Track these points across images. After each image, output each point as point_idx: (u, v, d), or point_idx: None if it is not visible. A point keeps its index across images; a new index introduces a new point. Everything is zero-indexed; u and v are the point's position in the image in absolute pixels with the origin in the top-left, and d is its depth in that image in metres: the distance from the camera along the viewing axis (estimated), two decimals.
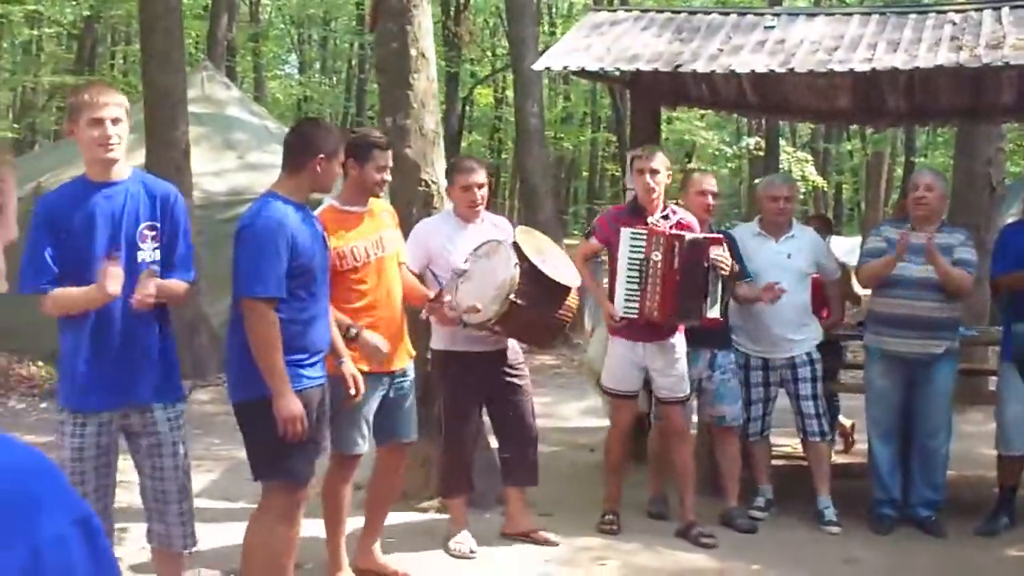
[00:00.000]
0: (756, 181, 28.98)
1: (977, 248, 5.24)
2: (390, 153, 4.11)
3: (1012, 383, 5.07)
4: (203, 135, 10.52)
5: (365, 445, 4.06)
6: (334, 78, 32.39)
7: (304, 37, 30.37)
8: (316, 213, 3.90)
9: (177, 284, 3.35)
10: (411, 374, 4.23)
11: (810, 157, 25.16)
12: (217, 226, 8.77)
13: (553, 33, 26.82)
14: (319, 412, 3.54)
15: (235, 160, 10.46)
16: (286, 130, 14.73)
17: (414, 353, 4.27)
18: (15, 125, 21.87)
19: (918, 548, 4.87)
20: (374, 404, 4.03)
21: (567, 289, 4.41)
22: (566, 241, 24.10)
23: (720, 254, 4.76)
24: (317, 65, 32.85)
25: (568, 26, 26.69)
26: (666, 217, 4.87)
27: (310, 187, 3.59)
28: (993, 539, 4.97)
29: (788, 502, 5.36)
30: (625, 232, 4.72)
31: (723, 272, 4.76)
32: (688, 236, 4.74)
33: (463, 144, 25.57)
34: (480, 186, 4.52)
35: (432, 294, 4.22)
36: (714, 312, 4.78)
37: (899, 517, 5.11)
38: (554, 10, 29.33)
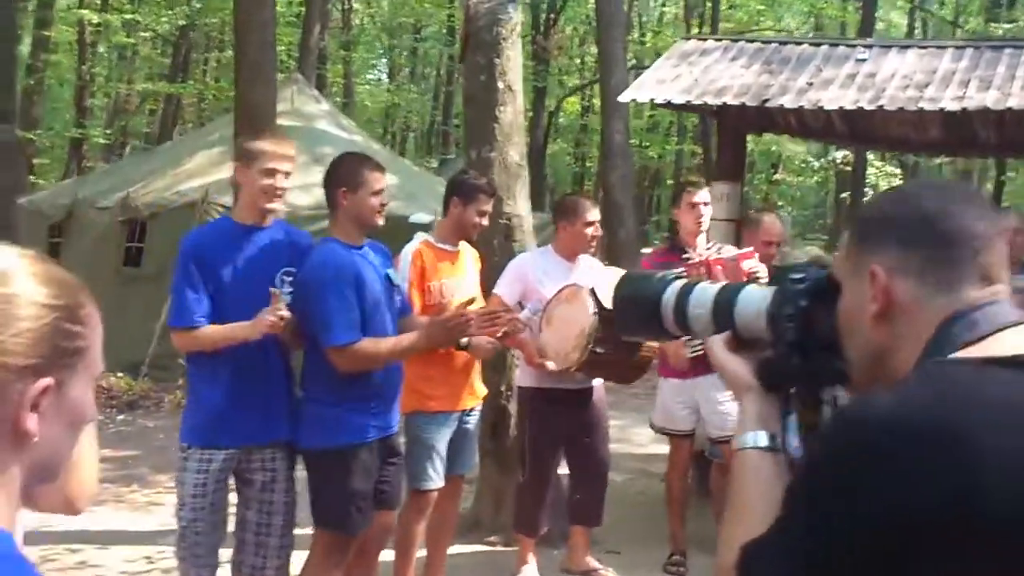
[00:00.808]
0: (843, 195, 28.36)
1: None
2: (492, 201, 4.25)
3: None
4: None
5: (440, 480, 4.14)
6: (423, 84, 32.79)
7: (394, 44, 30.80)
8: (411, 248, 4.05)
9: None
10: (478, 411, 4.35)
11: (899, 171, 24.66)
12: None
13: (643, 42, 26.80)
14: (387, 461, 3.63)
15: (321, 175, 10.64)
16: (374, 144, 14.90)
17: (485, 393, 4.37)
18: (107, 131, 22.60)
19: None
20: (446, 440, 4.13)
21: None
22: (646, 250, 24.13)
23: (753, 264, 4.74)
24: (406, 72, 33.28)
25: (659, 40, 26.66)
26: (708, 250, 4.89)
27: (353, 224, 3.55)
28: None
29: None
30: None
31: (761, 280, 4.72)
32: (723, 257, 4.78)
33: (548, 151, 25.70)
34: (594, 224, 4.56)
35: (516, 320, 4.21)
36: None
37: None
38: (644, 18, 29.25)
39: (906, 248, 1.18)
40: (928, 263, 1.17)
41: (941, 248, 1.17)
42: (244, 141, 3.56)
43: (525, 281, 4.54)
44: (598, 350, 4.19)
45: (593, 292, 4.30)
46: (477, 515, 5.28)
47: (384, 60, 32.38)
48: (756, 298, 1.40)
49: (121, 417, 8.42)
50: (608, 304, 4.29)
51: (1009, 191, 23.91)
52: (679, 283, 1.48)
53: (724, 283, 1.46)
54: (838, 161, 20.84)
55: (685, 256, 4.84)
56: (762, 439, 1.31)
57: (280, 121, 10.06)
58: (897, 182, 24.35)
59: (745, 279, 4.69)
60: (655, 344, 4.47)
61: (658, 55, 27.98)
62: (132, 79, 23.80)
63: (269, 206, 3.40)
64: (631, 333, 1.53)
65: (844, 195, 26.35)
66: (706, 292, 1.45)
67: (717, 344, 1.41)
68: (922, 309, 1.17)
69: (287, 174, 3.38)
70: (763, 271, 4.77)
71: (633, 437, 7.94)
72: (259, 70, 9.30)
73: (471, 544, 4.97)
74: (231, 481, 3.48)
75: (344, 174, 3.56)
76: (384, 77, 32.99)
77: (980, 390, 1.06)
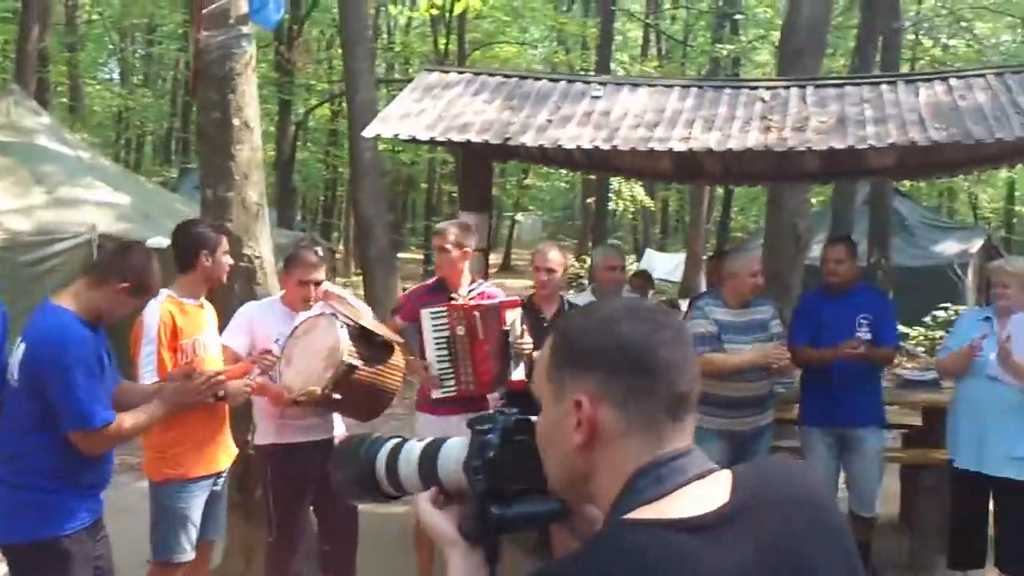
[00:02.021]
0: (589, 200, 29.51)
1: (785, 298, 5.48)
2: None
3: (815, 447, 5.39)
4: (7, 167, 9.69)
5: (192, 551, 3.98)
6: (159, 86, 31.17)
7: (123, 46, 29.10)
8: (156, 305, 3.83)
9: None
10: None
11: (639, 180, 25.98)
12: (20, 269, 8.14)
13: (392, 48, 26.78)
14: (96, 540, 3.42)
15: (43, 195, 9.53)
16: (104, 161, 13.88)
17: (236, 452, 4.24)
18: None
19: None
20: (201, 507, 3.98)
21: (392, 347, 4.40)
22: (402, 255, 24.17)
23: (514, 315, 4.88)
24: (141, 74, 31.55)
25: (408, 43, 26.73)
26: (472, 291, 4.97)
27: (93, 306, 3.35)
28: None
29: None
30: (425, 313, 4.79)
31: (520, 343, 4.82)
32: (485, 303, 4.87)
33: (297, 158, 25.16)
34: (318, 284, 4.42)
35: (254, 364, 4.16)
36: (519, 374, 4.88)
37: None
38: (393, 23, 29.23)
39: (610, 378, 1.21)
40: (630, 393, 1.21)
41: (642, 378, 1.21)
42: None
43: (252, 333, 4.40)
44: (352, 361, 4.12)
45: (335, 314, 4.23)
46: (226, 572, 5.08)
47: (114, 60, 30.51)
48: (455, 452, 1.41)
49: None
50: (356, 319, 4.24)
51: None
52: (390, 445, 1.49)
53: (429, 440, 1.47)
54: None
55: (451, 296, 4.87)
56: None
57: None
58: (638, 188, 25.74)
59: (503, 328, 4.78)
60: (402, 364, 4.43)
61: (407, 61, 28.16)
62: None
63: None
64: (354, 496, 1.52)
65: (590, 200, 27.58)
66: (412, 451, 1.46)
67: (423, 501, 1.41)
68: (621, 445, 1.21)
69: None
70: (518, 324, 4.86)
71: None
72: None
73: None
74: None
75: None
76: (116, 77, 31.07)
77: (643, 558, 1.11)
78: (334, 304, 4.40)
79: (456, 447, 1.42)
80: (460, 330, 4.75)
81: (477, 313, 4.78)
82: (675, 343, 1.23)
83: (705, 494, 1.17)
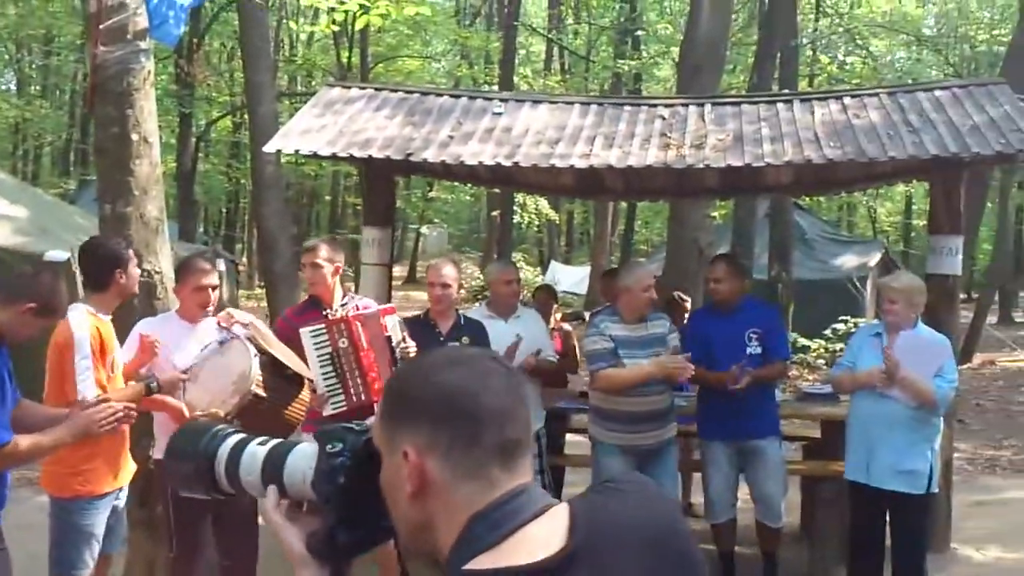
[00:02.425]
0: (494, 213, 29.55)
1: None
2: None
3: (716, 459, 5.48)
4: None
5: (93, 565, 3.97)
6: (56, 97, 30.22)
7: (20, 56, 28.15)
8: (83, 321, 3.83)
9: None
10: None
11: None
12: None
13: (294, 60, 26.46)
14: None
15: None
16: (0, 173, 13.46)
17: (135, 467, 4.24)
18: None
19: None
20: (104, 523, 3.98)
21: (303, 380, 4.37)
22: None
23: (393, 322, 4.93)
24: (38, 85, 30.56)
25: (310, 56, 26.43)
26: (344, 304, 4.98)
27: None
28: None
29: None
30: (304, 332, 4.74)
31: (404, 345, 4.85)
32: (363, 312, 4.90)
33: (198, 170, 24.64)
34: (214, 288, 4.44)
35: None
36: None
37: None
38: (295, 36, 28.90)
39: (434, 428, 1.19)
40: (455, 442, 1.19)
41: (466, 427, 1.19)
42: None
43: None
44: (260, 393, 4.08)
45: (251, 339, 4.19)
46: None
47: (11, 71, 29.50)
48: (303, 463, 1.36)
49: None
50: (268, 349, 4.19)
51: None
52: (232, 440, 1.43)
53: (274, 443, 1.42)
54: None
55: (325, 312, 4.84)
56: None
57: None
58: (543, 202, 25.90)
59: (385, 334, 4.78)
60: (306, 398, 4.40)
61: (309, 74, 27.80)
62: None
63: None
64: (187, 487, 1.45)
65: (495, 213, 27.67)
66: (256, 455, 1.40)
67: (270, 510, 1.36)
68: (452, 493, 1.19)
69: None
70: (397, 330, 4.88)
71: None
72: None
73: None
74: None
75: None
76: (13, 88, 30.04)
77: None
78: (249, 329, 4.35)
79: (304, 457, 1.36)
80: (343, 343, 4.74)
81: (358, 322, 4.79)
82: (502, 390, 1.22)
83: (544, 535, 1.16)
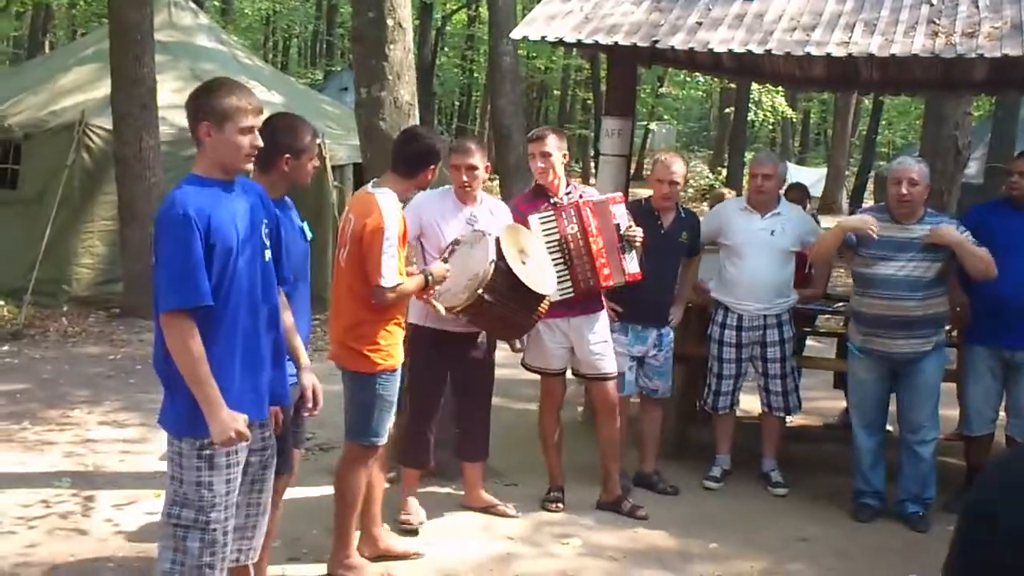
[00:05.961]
0: (727, 110, 28.67)
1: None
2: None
3: (977, 367, 5.19)
4: (169, 63, 10.34)
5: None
6: None
7: None
8: (394, 204, 4.04)
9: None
10: None
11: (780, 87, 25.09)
12: (185, 163, 8.60)
13: None
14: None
15: None
16: (257, 60, 14.38)
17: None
18: None
19: (868, 528, 5.06)
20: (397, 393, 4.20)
21: (540, 297, 4.44)
22: None
23: (620, 211, 4.93)
24: None
25: None
26: (568, 194, 4.95)
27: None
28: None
29: (741, 472, 5.63)
30: (533, 219, 4.76)
31: (631, 232, 4.88)
32: (592, 199, 4.91)
33: (436, 64, 25.22)
34: (472, 168, 4.55)
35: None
36: (633, 267, 4.92)
37: (881, 508, 5.13)
38: None
39: None
40: None
41: None
42: (205, 97, 3.01)
43: (420, 219, 4.54)
44: (487, 297, 4.23)
45: (498, 241, 4.32)
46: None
47: None
48: None
49: (5, 348, 8.03)
50: (509, 258, 4.31)
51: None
52: None
53: None
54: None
55: (553, 200, 4.87)
56: None
57: (158, 37, 9.59)
58: (779, 98, 24.85)
59: (614, 221, 4.80)
60: (543, 310, 4.49)
61: None
62: None
63: (248, 166, 3.10)
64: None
65: (728, 110, 26.79)
66: None
67: None
68: None
69: (261, 129, 3.07)
70: (626, 217, 4.91)
71: None
72: None
73: None
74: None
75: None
76: None
77: None
78: (505, 232, 4.45)
79: None
80: (571, 228, 4.78)
81: (588, 208, 4.81)
82: None
83: None
